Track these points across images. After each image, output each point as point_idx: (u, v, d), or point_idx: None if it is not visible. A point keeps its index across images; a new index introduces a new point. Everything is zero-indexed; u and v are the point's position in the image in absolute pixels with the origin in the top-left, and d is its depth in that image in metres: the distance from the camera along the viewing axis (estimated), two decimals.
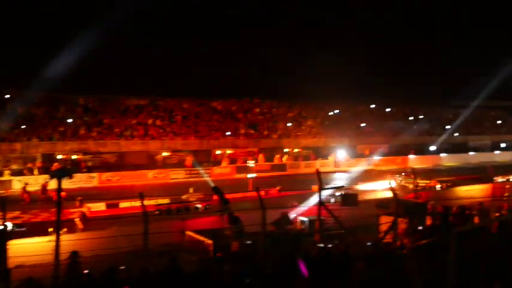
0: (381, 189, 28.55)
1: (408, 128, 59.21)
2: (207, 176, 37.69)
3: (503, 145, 63.00)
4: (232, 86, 62.71)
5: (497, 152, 59.55)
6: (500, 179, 27.58)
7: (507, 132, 69.84)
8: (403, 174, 31.83)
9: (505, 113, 79.87)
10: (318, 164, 42.05)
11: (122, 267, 11.00)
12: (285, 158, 44.34)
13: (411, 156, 49.30)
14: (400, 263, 11.08)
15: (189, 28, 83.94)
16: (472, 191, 23.94)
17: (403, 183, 29.80)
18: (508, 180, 27.78)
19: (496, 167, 35.27)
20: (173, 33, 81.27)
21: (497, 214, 18.72)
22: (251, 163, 37.61)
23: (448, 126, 64.25)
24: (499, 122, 74.44)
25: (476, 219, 17.22)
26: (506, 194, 23.43)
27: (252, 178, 32.85)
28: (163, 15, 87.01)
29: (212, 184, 25.08)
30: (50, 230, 15.61)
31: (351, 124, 58.76)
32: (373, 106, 66.89)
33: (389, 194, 15.88)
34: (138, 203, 13.35)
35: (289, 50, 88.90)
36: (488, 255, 9.09)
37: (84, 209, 24.43)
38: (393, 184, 15.89)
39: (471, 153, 56.70)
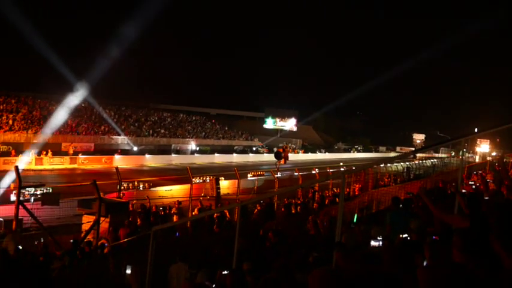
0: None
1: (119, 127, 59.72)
2: None
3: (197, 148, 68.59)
4: None
5: (196, 154, 64.11)
6: (197, 180, 29.67)
7: (206, 136, 75.78)
8: None
9: (204, 118, 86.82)
10: (18, 161, 39.24)
11: None
12: None
13: (117, 156, 49.65)
14: (102, 261, 11.15)
15: None
16: (173, 191, 25.21)
17: None
18: (204, 181, 30.04)
19: (195, 168, 37.88)
20: None
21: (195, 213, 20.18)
22: None
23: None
24: (199, 127, 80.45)
25: (175, 218, 18.28)
26: (202, 194, 25.30)
27: None
28: None
29: None
30: None
31: (59, 120, 56.09)
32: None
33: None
34: None
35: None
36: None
37: None
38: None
39: (174, 155, 59.83)
